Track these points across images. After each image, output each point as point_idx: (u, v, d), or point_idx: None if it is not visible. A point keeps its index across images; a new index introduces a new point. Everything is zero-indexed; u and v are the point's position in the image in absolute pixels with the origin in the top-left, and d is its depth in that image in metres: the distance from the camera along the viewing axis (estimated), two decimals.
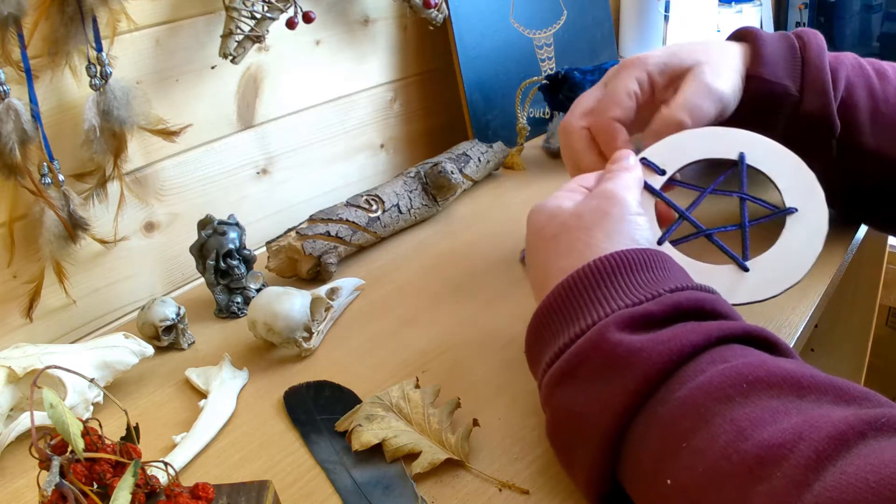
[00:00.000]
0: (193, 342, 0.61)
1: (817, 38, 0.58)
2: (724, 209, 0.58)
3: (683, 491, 0.32)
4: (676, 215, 0.52)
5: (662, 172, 0.53)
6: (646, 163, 0.53)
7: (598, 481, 0.36)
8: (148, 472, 0.36)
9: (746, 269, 0.50)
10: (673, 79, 0.57)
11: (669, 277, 0.41)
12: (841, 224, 0.63)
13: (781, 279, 0.50)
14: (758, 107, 0.57)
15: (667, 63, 0.56)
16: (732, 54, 0.58)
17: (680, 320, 0.38)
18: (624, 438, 0.35)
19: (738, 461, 0.30)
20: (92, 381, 0.39)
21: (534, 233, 0.47)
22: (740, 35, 0.60)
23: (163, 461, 0.37)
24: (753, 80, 0.57)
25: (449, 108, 0.97)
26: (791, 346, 0.53)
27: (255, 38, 0.67)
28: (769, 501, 0.28)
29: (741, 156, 0.53)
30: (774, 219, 0.52)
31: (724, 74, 0.56)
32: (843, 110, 0.57)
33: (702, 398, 0.33)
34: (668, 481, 0.32)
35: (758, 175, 0.53)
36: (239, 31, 0.66)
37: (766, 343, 0.37)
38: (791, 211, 0.51)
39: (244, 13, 0.66)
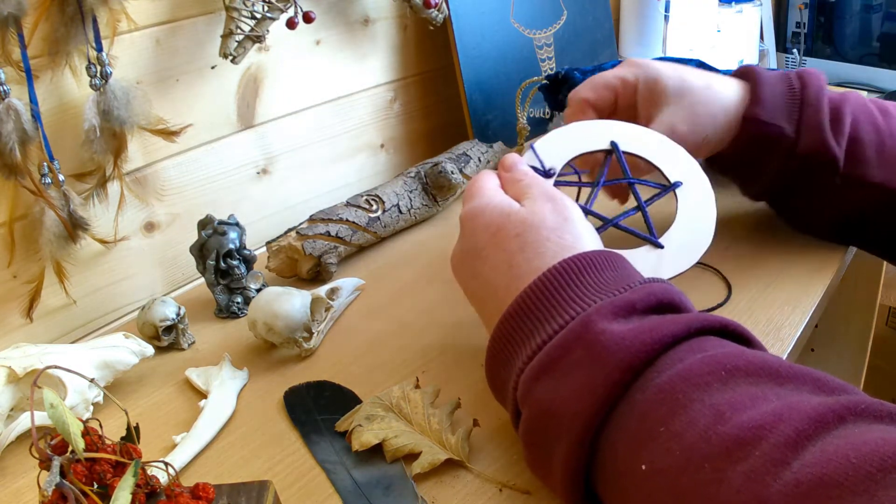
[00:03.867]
0: (193, 342, 0.61)
1: (818, 78, 0.60)
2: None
3: (659, 475, 0.31)
4: None
5: (550, 174, 0.55)
6: (531, 167, 0.54)
7: (574, 478, 0.36)
8: (148, 472, 0.36)
9: (661, 246, 0.52)
10: (654, 95, 0.59)
11: (636, 273, 0.42)
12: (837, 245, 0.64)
13: (694, 246, 0.53)
14: (753, 147, 0.59)
15: (656, 80, 0.59)
16: (728, 93, 0.59)
17: (657, 309, 0.38)
18: (601, 431, 0.35)
19: (716, 442, 0.30)
20: (92, 381, 0.39)
21: (487, 231, 0.46)
22: (742, 73, 0.62)
23: (163, 461, 0.37)
24: (749, 121, 0.58)
25: (449, 108, 0.97)
26: (791, 345, 0.53)
27: (256, 38, 0.67)
28: (747, 481, 0.28)
29: (613, 144, 0.56)
30: (666, 195, 0.55)
31: (700, 119, 0.58)
32: (850, 145, 0.58)
33: (681, 385, 0.33)
34: (644, 466, 0.32)
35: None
36: (239, 31, 0.66)
37: (742, 338, 0.37)
38: (677, 185, 0.55)
39: (244, 13, 0.66)
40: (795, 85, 0.59)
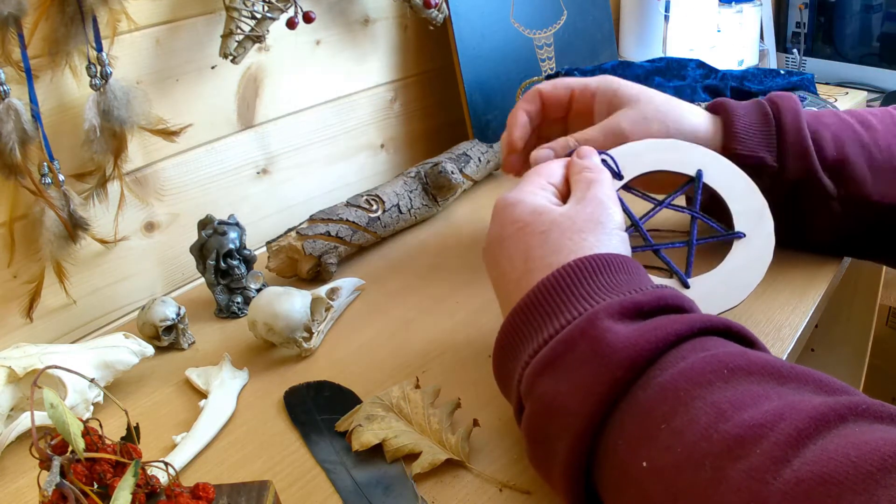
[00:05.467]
0: (193, 342, 0.61)
1: (791, 101, 0.58)
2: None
3: (660, 473, 0.31)
4: (629, 222, 0.52)
5: (619, 176, 0.54)
6: (605, 164, 0.53)
7: (575, 475, 0.36)
8: (148, 472, 0.36)
9: (687, 287, 0.51)
10: (610, 101, 0.58)
11: (649, 280, 0.42)
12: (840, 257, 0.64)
13: (719, 302, 0.51)
14: None
15: (615, 89, 0.59)
16: (694, 118, 0.58)
17: (664, 312, 0.38)
18: (602, 428, 0.35)
19: (717, 440, 0.30)
20: (92, 381, 0.39)
21: (514, 225, 0.46)
22: (713, 107, 0.61)
23: (163, 461, 0.37)
24: (727, 155, 0.56)
25: (449, 108, 0.97)
26: (791, 345, 0.53)
27: (256, 38, 0.67)
28: (747, 479, 0.28)
29: (699, 173, 0.54)
30: (721, 240, 0.53)
31: (650, 124, 0.57)
32: (839, 167, 0.56)
33: (683, 383, 0.33)
34: (644, 464, 0.32)
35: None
36: (239, 30, 0.66)
37: (745, 339, 0.37)
38: (739, 235, 0.53)
39: (244, 13, 0.66)
40: (769, 111, 0.58)
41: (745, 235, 0.52)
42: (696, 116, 0.59)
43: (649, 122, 0.57)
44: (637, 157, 0.54)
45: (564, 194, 0.50)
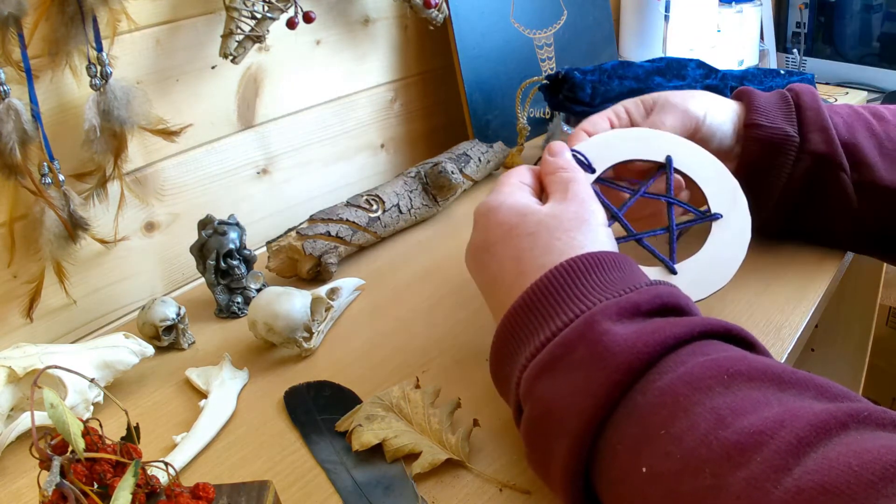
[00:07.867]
0: (194, 342, 0.61)
1: (808, 87, 0.61)
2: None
3: (659, 479, 0.31)
4: (609, 215, 0.52)
5: (591, 170, 0.54)
6: (576, 158, 0.53)
7: (574, 478, 0.36)
8: (148, 471, 0.36)
9: (674, 273, 0.51)
10: (648, 109, 0.59)
11: (643, 276, 0.42)
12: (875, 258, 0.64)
13: (707, 283, 0.51)
14: (762, 154, 0.58)
15: (643, 99, 0.60)
16: (724, 100, 0.60)
17: (662, 312, 0.38)
18: (601, 432, 0.35)
19: (717, 447, 0.29)
20: (92, 381, 0.39)
21: (500, 228, 0.46)
22: (736, 95, 0.62)
23: (163, 461, 0.37)
24: (751, 128, 0.58)
25: (449, 108, 0.97)
26: (791, 345, 0.53)
27: (256, 38, 0.67)
28: (747, 487, 0.27)
29: (668, 159, 0.54)
30: (700, 223, 0.53)
31: (700, 99, 0.58)
32: (848, 150, 0.58)
33: (682, 388, 0.33)
34: (644, 469, 0.32)
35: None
36: (239, 30, 0.66)
37: (745, 342, 0.37)
38: (716, 217, 0.53)
39: (244, 13, 0.66)
40: (788, 95, 0.60)
41: (721, 216, 0.53)
42: (724, 103, 0.61)
43: (689, 114, 0.59)
44: (606, 149, 0.55)
45: (538, 193, 0.50)
